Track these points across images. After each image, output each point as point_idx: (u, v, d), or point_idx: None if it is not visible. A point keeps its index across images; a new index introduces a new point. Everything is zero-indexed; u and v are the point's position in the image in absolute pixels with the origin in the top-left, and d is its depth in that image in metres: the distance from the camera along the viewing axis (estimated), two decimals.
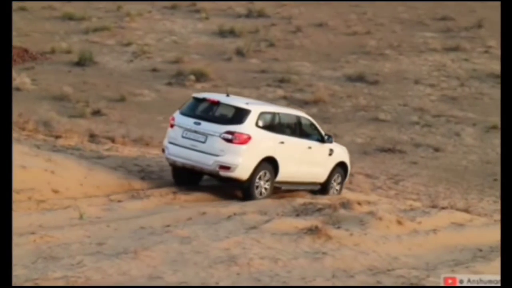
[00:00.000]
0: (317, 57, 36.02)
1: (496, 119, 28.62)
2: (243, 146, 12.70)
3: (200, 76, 31.32)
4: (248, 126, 12.83)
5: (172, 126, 13.51)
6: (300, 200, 13.14)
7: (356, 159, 21.90)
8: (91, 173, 13.53)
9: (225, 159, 12.68)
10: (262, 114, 13.22)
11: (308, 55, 36.40)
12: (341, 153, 15.33)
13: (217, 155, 12.71)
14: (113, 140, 19.20)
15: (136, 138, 20.76)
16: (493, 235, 11.52)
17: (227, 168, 12.70)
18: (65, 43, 33.60)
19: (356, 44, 38.17)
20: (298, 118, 14.35)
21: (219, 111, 13.26)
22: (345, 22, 42.27)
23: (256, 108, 13.27)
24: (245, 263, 8.66)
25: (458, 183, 21.17)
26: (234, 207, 12.31)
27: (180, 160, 13.17)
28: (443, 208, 14.35)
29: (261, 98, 30.43)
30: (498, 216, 16.28)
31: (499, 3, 47.19)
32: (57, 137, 17.23)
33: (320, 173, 14.64)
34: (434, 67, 35.36)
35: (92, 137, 19.16)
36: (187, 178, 13.83)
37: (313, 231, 9.98)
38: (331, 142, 14.80)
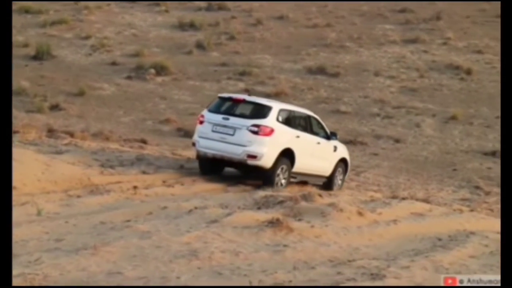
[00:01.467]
0: (278, 50, 36.04)
1: (455, 110, 29.00)
2: (267, 138, 14.28)
3: (161, 70, 31.13)
4: (271, 120, 14.40)
5: (201, 122, 14.94)
6: (262, 192, 13.13)
7: None
8: (49, 168, 13.32)
9: (252, 149, 14.21)
10: (281, 110, 14.86)
11: (269, 47, 36.39)
12: (343, 150, 17.02)
13: (245, 146, 14.23)
14: (72, 134, 18.96)
15: (95, 133, 20.53)
16: (452, 224, 11.68)
17: (254, 157, 14.21)
18: (22, 36, 33.06)
19: (316, 37, 38.29)
20: (309, 116, 15.94)
21: (244, 108, 14.84)
22: (306, 15, 42.36)
23: (276, 105, 14.96)
24: (206, 257, 8.59)
25: (419, 174, 21.38)
26: (195, 201, 12.24)
27: (211, 152, 14.62)
28: (403, 198, 14.49)
29: (222, 91, 30.32)
30: (457, 206, 16.51)
31: None
32: (15, 132, 16.92)
33: (326, 167, 16.19)
34: (394, 59, 35.64)
35: (51, 132, 18.89)
36: (212, 168, 15.26)
37: (274, 223, 9.95)
38: (335, 139, 16.53)
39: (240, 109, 14.87)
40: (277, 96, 29.63)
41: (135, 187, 13.34)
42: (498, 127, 28.02)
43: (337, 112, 28.48)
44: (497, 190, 21.18)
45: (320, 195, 12.36)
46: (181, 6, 42.68)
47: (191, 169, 16.22)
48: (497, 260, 9.14)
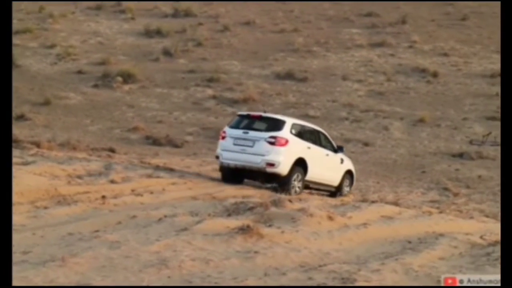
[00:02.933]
0: (246, 56, 36.08)
1: (422, 113, 29.28)
2: (283, 148, 15.88)
3: (128, 77, 31.00)
4: (285, 133, 16.06)
5: (223, 137, 16.61)
6: (232, 199, 13.05)
7: None
8: (14, 179, 13.08)
9: (270, 158, 15.79)
10: (294, 124, 16.59)
11: (236, 53, 36.42)
12: (348, 163, 18.54)
13: (263, 155, 15.84)
14: (38, 145, 18.73)
15: (62, 142, 20.32)
16: (422, 226, 11.72)
17: (272, 165, 15.78)
18: None
19: (284, 42, 38.43)
20: (317, 131, 17.62)
21: (261, 123, 16.54)
22: (273, 20, 42.49)
23: (289, 120, 16.74)
24: (176, 266, 8.50)
25: (388, 177, 21.52)
26: (165, 209, 12.12)
27: (233, 162, 16.23)
28: (373, 202, 14.51)
29: (190, 98, 30.27)
30: (426, 208, 16.61)
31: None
32: None
33: (335, 177, 17.75)
34: (361, 63, 35.89)
35: (16, 142, 18.64)
36: (233, 178, 16.69)
37: (244, 230, 9.88)
38: (342, 152, 18.12)
39: (257, 124, 16.58)
40: (245, 102, 29.68)
41: (103, 197, 13.17)
42: (465, 129, 28.34)
43: (306, 116, 28.54)
44: (465, 191, 21.40)
45: (290, 201, 12.31)
46: (147, 13, 42.54)
47: (160, 178, 16.12)
48: (466, 261, 9.19)
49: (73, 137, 21.64)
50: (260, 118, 16.72)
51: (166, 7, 44.25)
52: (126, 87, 30.56)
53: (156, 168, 17.86)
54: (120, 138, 24.47)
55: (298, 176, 16.19)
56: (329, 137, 18.12)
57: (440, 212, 15.33)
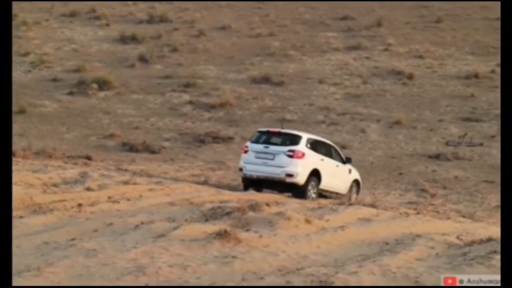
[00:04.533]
0: (222, 60, 36.06)
1: (399, 115, 29.43)
2: (300, 160, 17.51)
3: (103, 84, 30.83)
4: (302, 146, 17.74)
5: (246, 152, 18.08)
6: (209, 204, 13.01)
7: None
8: None
9: (290, 169, 17.39)
10: (309, 139, 18.28)
11: (212, 58, 36.39)
12: (355, 173, 19.96)
13: (283, 167, 17.41)
14: (13, 153, 18.53)
15: (38, 151, 20.15)
16: (399, 228, 11.77)
17: (291, 175, 17.36)
18: None
19: (260, 46, 38.46)
20: (329, 144, 19.37)
21: (280, 138, 18.25)
22: (248, 25, 42.52)
23: (305, 135, 18.45)
24: (154, 272, 8.45)
25: (365, 179, 21.57)
26: (142, 216, 12.05)
27: (255, 174, 17.75)
28: (350, 204, 14.55)
29: (167, 104, 30.19)
30: (403, 209, 16.69)
31: (396, 2, 48.64)
32: None
33: (344, 186, 19.21)
34: (337, 66, 36.01)
35: None
36: (254, 187, 17.90)
37: (222, 235, 9.84)
38: (350, 163, 19.62)
39: (276, 139, 18.27)
40: (222, 107, 29.65)
41: (79, 205, 13.05)
42: (441, 130, 28.55)
43: (283, 120, 28.54)
44: (442, 192, 21.54)
45: (267, 204, 12.30)
46: (122, 19, 42.39)
47: (137, 184, 16.04)
48: (443, 261, 9.23)
49: (49, 145, 21.47)
50: (279, 134, 18.48)
51: (141, 13, 44.12)
52: (102, 94, 30.40)
53: (133, 175, 17.77)
54: (96, 146, 24.32)
55: (313, 185, 17.83)
56: (338, 149, 19.86)
57: (417, 213, 15.41)
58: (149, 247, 9.46)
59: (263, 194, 16.95)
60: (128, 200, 13.98)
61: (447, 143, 26.92)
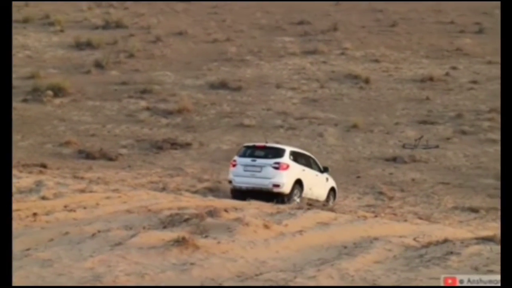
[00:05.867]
0: (179, 66, 35.93)
1: (356, 118, 29.67)
2: (285, 171, 18.92)
3: (58, 91, 30.44)
4: (286, 159, 19.13)
5: (234, 165, 19.36)
6: (167, 211, 12.89)
7: (224, 166, 21.96)
8: None
9: (276, 180, 18.80)
10: (291, 151, 19.66)
11: (169, 64, 36.23)
12: (332, 181, 21.29)
13: (270, 178, 18.82)
14: None
15: None
16: (357, 231, 11.82)
17: (277, 185, 18.77)
18: None
19: (217, 51, 38.43)
20: (308, 155, 20.81)
21: (265, 152, 19.46)
22: (205, 30, 42.47)
23: (288, 148, 19.93)
24: (111, 281, 8.33)
25: None
26: (99, 224, 11.88)
27: (244, 185, 18.99)
28: (308, 208, 14.56)
29: (124, 110, 29.93)
30: (361, 212, 16.80)
31: (353, 5, 49.10)
32: None
33: (322, 194, 20.59)
34: (294, 71, 36.16)
35: None
36: (242, 198, 18.37)
37: (180, 242, 9.76)
38: (327, 172, 21.01)
39: (261, 152, 19.47)
40: (179, 113, 29.52)
41: (34, 214, 12.82)
42: (397, 133, 28.86)
43: (241, 125, 28.60)
44: (400, 194, 21.76)
45: (226, 210, 12.24)
46: (77, 25, 41.94)
47: (94, 192, 15.83)
48: (400, 263, 9.31)
49: None
50: (264, 148, 19.71)
51: (96, 19, 43.71)
52: (57, 101, 30.01)
53: (89, 183, 17.54)
54: (52, 153, 23.98)
55: (297, 193, 19.16)
56: (316, 160, 21.10)
57: (375, 216, 15.51)
58: (106, 256, 9.34)
59: (222, 200, 16.89)
60: (85, 208, 13.78)
61: (403, 146, 27.23)
